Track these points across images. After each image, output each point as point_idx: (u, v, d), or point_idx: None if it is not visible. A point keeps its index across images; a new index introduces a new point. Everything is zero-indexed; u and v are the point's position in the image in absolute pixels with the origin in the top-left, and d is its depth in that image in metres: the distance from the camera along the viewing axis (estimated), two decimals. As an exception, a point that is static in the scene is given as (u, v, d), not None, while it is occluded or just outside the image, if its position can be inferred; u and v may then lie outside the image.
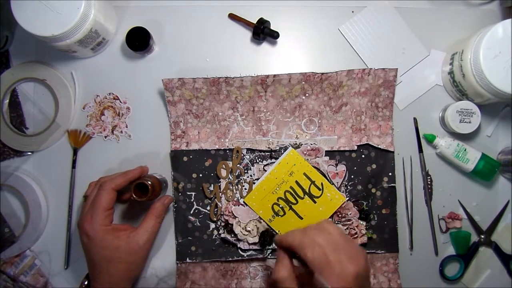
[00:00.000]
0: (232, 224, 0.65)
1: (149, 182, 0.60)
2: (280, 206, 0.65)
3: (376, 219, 0.66)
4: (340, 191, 0.65)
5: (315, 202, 0.65)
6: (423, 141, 0.68)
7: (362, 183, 0.66)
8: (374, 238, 0.66)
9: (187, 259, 0.66)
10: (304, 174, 0.65)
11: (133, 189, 0.60)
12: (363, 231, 0.64)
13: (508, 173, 0.67)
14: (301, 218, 0.65)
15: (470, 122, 0.64)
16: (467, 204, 0.67)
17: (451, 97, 0.68)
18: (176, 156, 0.67)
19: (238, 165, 0.66)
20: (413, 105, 0.68)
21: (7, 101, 0.68)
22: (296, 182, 0.65)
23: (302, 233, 0.48)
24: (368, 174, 0.66)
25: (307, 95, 0.67)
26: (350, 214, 0.65)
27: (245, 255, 0.65)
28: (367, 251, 0.65)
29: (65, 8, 0.58)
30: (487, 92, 0.60)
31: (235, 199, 0.66)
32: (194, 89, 0.66)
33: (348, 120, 0.67)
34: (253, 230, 0.65)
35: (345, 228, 0.64)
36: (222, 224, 0.66)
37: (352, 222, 0.65)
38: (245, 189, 0.66)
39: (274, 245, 0.65)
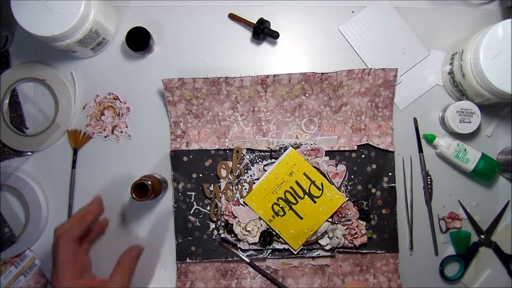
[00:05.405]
0: (232, 224, 0.65)
1: (149, 182, 0.60)
2: (280, 206, 0.65)
3: (376, 219, 0.66)
4: (340, 191, 0.65)
5: (315, 202, 0.65)
6: (423, 141, 0.68)
7: (362, 183, 0.66)
8: (374, 238, 0.66)
9: (187, 259, 0.66)
10: (304, 174, 0.65)
11: (133, 189, 0.60)
12: (363, 231, 0.64)
13: (508, 173, 0.67)
14: (301, 218, 0.65)
15: (470, 122, 0.64)
16: (467, 204, 0.67)
17: (451, 97, 0.68)
18: (176, 156, 0.67)
19: (238, 165, 0.66)
20: (413, 105, 0.68)
21: (7, 101, 0.68)
22: (296, 182, 0.65)
23: None
24: (368, 174, 0.66)
25: (307, 95, 0.67)
26: (350, 214, 0.65)
27: (245, 255, 0.65)
28: (367, 251, 0.65)
29: (65, 8, 0.58)
30: (487, 92, 0.60)
31: (235, 199, 0.66)
32: (194, 89, 0.66)
33: (348, 120, 0.67)
34: (253, 230, 0.64)
35: (345, 228, 0.64)
36: (222, 224, 0.66)
37: (352, 222, 0.65)
38: (245, 189, 0.66)
39: (274, 245, 0.65)
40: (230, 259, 0.66)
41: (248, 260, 0.52)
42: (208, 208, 0.66)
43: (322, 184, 0.65)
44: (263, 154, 0.66)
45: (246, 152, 0.67)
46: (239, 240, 0.65)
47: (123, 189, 0.67)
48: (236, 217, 0.65)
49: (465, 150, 0.65)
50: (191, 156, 0.66)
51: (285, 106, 0.67)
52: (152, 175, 0.64)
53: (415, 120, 0.68)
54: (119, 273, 0.54)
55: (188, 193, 0.67)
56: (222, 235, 0.66)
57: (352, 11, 0.69)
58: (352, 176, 0.66)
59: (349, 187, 0.66)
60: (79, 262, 0.54)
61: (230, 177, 0.66)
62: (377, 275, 0.66)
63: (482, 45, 0.58)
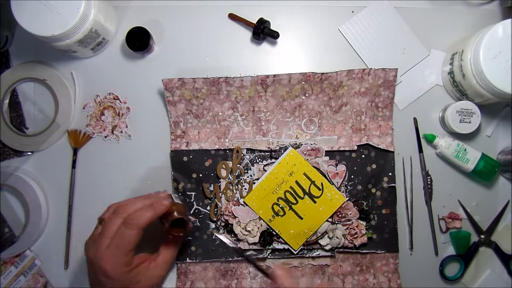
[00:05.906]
0: (232, 224, 0.65)
1: (180, 216, 0.55)
2: (280, 206, 0.65)
3: (376, 219, 0.66)
4: (340, 191, 0.65)
5: (315, 202, 0.65)
6: (423, 141, 0.68)
7: (362, 183, 0.66)
8: (374, 238, 0.66)
9: (187, 259, 0.66)
10: (304, 174, 0.65)
11: (169, 229, 0.56)
12: (363, 231, 0.64)
13: (508, 173, 0.67)
14: (301, 218, 0.65)
15: (470, 122, 0.64)
16: (467, 204, 0.67)
17: (451, 97, 0.68)
18: (176, 156, 0.67)
19: (238, 165, 0.66)
20: (413, 105, 0.68)
21: (7, 101, 0.68)
22: (296, 182, 0.65)
23: None
24: (368, 174, 0.66)
25: (307, 95, 0.67)
26: (350, 214, 0.65)
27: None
28: (367, 251, 0.65)
29: (65, 8, 0.58)
30: (487, 92, 0.60)
31: (235, 199, 0.66)
32: (194, 89, 0.66)
33: (348, 120, 0.67)
34: (253, 230, 0.64)
35: (345, 228, 0.64)
36: (222, 224, 0.66)
37: (352, 222, 0.65)
38: (245, 189, 0.66)
39: (274, 245, 0.65)
40: (230, 259, 0.66)
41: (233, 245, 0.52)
42: (208, 208, 0.66)
43: (322, 184, 0.65)
44: (263, 154, 0.67)
45: (246, 152, 0.67)
46: (239, 240, 0.65)
47: (123, 189, 0.67)
48: (236, 217, 0.65)
49: (465, 150, 0.65)
50: (191, 156, 0.67)
51: (285, 106, 0.67)
52: (174, 201, 0.57)
53: (415, 120, 0.68)
54: (172, 245, 0.59)
55: (188, 193, 0.67)
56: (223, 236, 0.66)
57: (352, 11, 0.69)
58: (352, 176, 0.66)
59: (349, 187, 0.66)
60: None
61: (230, 177, 0.66)
62: (377, 275, 0.66)
63: (482, 45, 0.58)
